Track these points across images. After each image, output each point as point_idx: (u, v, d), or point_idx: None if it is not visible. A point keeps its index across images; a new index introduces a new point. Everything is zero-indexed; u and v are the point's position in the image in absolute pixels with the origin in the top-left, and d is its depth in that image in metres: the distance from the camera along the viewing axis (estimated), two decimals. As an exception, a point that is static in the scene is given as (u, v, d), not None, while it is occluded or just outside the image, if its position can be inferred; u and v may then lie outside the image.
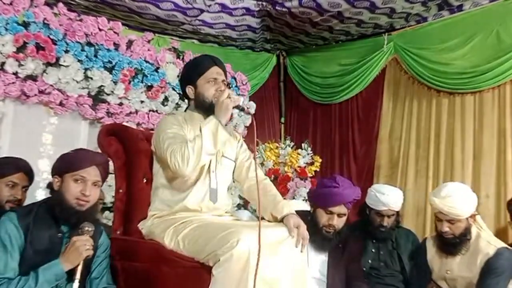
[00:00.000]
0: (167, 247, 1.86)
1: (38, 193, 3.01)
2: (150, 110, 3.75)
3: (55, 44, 3.14)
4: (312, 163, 4.49)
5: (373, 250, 2.78)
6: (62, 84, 3.21)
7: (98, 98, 3.43)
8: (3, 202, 2.26)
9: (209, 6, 3.96)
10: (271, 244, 1.75)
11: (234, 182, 2.26)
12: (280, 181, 4.31)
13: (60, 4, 3.36)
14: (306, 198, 3.91)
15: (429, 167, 4.07)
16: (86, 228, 1.83)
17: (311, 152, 4.52)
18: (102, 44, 3.40)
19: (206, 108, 2.04)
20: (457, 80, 3.95)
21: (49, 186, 1.99)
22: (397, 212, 2.79)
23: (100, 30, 3.41)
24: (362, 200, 2.66)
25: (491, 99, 3.82)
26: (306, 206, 3.09)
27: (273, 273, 1.72)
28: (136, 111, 3.67)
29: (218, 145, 1.88)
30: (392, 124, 4.45)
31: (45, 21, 3.13)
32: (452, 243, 2.54)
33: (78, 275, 1.76)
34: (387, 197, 2.71)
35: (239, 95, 4.40)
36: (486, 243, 2.51)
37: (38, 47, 3.07)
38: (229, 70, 4.22)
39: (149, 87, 3.71)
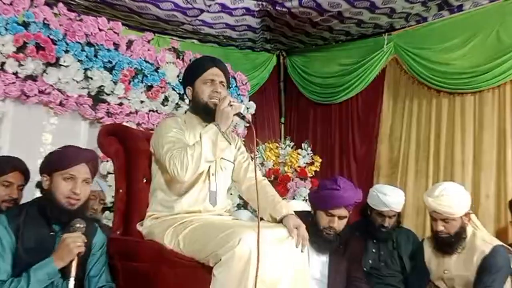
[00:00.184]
0: (167, 247, 1.85)
1: (38, 193, 2.99)
2: (150, 110, 3.75)
3: (55, 44, 3.14)
4: (312, 163, 4.48)
5: (373, 250, 2.78)
6: (62, 84, 3.21)
7: (98, 98, 3.43)
8: (-1, 202, 2.24)
9: (209, 6, 3.96)
10: (271, 244, 1.74)
11: (232, 182, 2.25)
12: (280, 181, 4.31)
13: (60, 4, 3.36)
14: (306, 198, 3.91)
15: (429, 167, 4.07)
16: (78, 225, 1.79)
17: (311, 152, 4.51)
18: (102, 44, 3.40)
19: (201, 109, 2.03)
20: (457, 80, 3.95)
21: (39, 185, 1.96)
22: (398, 212, 2.79)
23: (100, 30, 3.41)
24: (363, 200, 2.65)
25: (491, 99, 3.83)
26: (306, 206, 3.08)
27: (274, 273, 1.71)
28: (136, 111, 3.66)
29: (218, 153, 1.87)
30: (392, 124, 4.45)
31: (45, 21, 3.13)
32: (448, 242, 2.54)
33: (73, 273, 1.73)
34: (389, 197, 2.70)
35: (239, 95, 4.40)
36: (482, 241, 2.52)
37: (38, 47, 3.07)
38: (229, 70, 4.21)
39: (149, 87, 3.71)
